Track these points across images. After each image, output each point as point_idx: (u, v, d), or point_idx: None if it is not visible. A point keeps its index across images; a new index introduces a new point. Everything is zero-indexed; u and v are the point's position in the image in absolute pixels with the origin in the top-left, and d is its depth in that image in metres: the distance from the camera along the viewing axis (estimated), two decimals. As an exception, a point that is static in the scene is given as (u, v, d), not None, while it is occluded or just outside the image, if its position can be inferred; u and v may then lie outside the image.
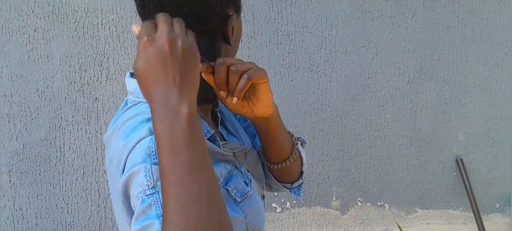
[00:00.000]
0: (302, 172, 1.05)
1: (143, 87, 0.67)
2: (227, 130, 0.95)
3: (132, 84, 0.86)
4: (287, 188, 1.06)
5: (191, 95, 0.67)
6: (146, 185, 0.69)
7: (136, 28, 0.71)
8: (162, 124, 0.64)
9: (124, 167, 0.75)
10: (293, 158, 0.98)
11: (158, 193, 0.68)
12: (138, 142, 0.74)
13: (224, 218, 0.64)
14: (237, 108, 0.85)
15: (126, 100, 0.92)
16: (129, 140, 0.76)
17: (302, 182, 1.06)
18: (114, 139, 0.82)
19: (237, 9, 0.85)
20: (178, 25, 0.69)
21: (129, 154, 0.75)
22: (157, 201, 0.68)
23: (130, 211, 0.75)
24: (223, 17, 0.82)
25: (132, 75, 0.89)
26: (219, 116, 0.94)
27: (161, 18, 0.69)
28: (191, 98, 0.66)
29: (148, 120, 0.77)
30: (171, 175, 0.63)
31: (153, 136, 0.73)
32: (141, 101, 0.83)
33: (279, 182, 1.03)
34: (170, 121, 0.64)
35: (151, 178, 0.69)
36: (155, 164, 0.70)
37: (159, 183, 0.68)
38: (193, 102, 0.66)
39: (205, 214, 0.62)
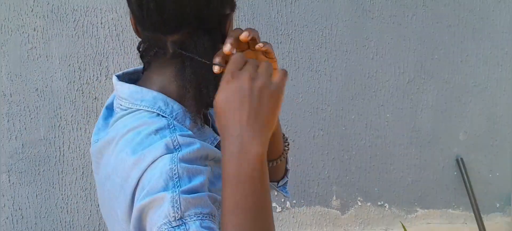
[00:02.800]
0: (287, 170, 1.04)
1: (220, 121, 0.67)
2: (217, 133, 0.93)
3: (125, 90, 0.80)
4: (274, 187, 1.05)
5: (264, 136, 0.66)
6: (173, 216, 0.65)
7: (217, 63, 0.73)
8: (230, 160, 0.65)
9: (136, 187, 0.71)
10: (285, 154, 0.98)
11: (185, 225, 0.65)
12: (153, 161, 0.70)
13: None
14: None
15: (110, 106, 0.86)
16: (141, 156, 0.71)
17: (287, 180, 1.06)
18: (112, 152, 0.77)
19: (233, 7, 0.83)
20: (265, 65, 0.69)
21: (143, 173, 0.70)
22: None
23: None
24: (222, 16, 0.80)
25: (119, 78, 0.84)
26: (210, 118, 0.90)
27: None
28: (264, 140, 0.66)
29: (156, 131, 0.74)
30: (233, 216, 0.63)
31: (173, 155, 0.70)
32: (140, 109, 0.78)
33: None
34: (239, 159, 0.64)
35: (179, 209, 0.66)
36: (184, 192, 0.67)
37: (186, 214, 0.66)
38: (265, 143, 0.66)
39: None
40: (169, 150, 0.71)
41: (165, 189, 0.67)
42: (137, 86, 0.80)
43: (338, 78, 2.30)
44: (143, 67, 0.85)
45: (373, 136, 2.39)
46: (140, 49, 0.82)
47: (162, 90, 0.79)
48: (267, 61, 0.71)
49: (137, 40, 2.31)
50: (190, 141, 0.73)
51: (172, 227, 0.65)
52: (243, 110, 0.66)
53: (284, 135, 1.01)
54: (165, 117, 0.77)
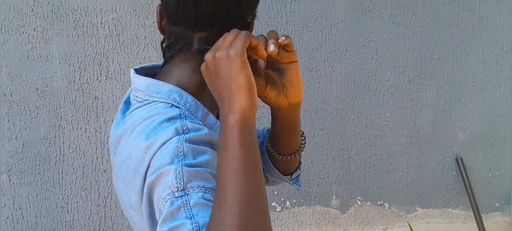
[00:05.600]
0: (300, 162, 1.06)
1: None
2: None
3: (142, 82, 0.84)
4: (288, 180, 1.06)
5: (239, 101, 0.70)
6: (176, 186, 0.68)
7: None
8: (219, 133, 0.71)
9: (148, 168, 0.74)
10: (301, 150, 1.00)
11: (187, 196, 0.68)
12: (163, 143, 0.74)
13: (266, 221, 0.67)
14: (274, 98, 0.86)
15: (128, 100, 0.90)
16: (153, 141, 0.75)
17: (300, 172, 1.08)
18: (127, 140, 0.80)
19: (253, 16, 0.88)
20: (226, 36, 0.75)
21: (154, 155, 0.74)
22: (186, 204, 0.67)
23: (151, 215, 0.74)
24: (247, 23, 0.86)
25: (137, 71, 0.88)
26: None
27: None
28: (239, 105, 0.70)
29: (169, 120, 0.77)
30: (219, 177, 0.67)
31: (181, 136, 0.74)
32: (155, 101, 0.81)
33: (282, 174, 1.04)
34: (221, 130, 0.71)
35: (182, 180, 0.69)
36: (187, 165, 0.70)
37: (189, 185, 0.69)
38: (243, 107, 0.70)
39: (248, 216, 0.64)
40: (177, 133, 0.75)
41: (170, 163, 0.71)
42: (153, 80, 0.83)
43: (338, 78, 2.31)
44: (164, 61, 0.88)
45: (372, 135, 2.39)
46: (164, 45, 0.86)
47: (179, 84, 0.83)
48: (231, 32, 0.76)
49: (137, 39, 2.31)
50: (199, 126, 0.77)
51: (175, 197, 0.68)
52: (213, 86, 0.74)
53: (302, 131, 1.02)
54: (179, 107, 0.80)
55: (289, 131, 0.94)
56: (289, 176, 1.06)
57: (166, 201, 0.68)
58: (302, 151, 1.00)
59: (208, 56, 0.74)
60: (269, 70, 0.85)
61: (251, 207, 0.65)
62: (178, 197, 0.67)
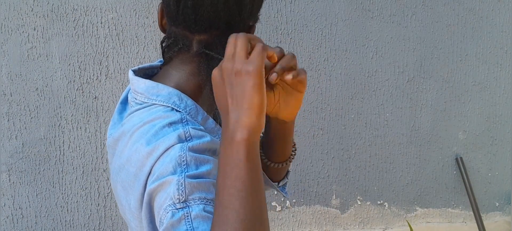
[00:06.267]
0: (288, 171, 1.07)
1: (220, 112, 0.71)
2: None
3: (141, 85, 0.83)
4: (276, 186, 1.07)
5: (249, 119, 0.67)
6: (177, 198, 0.68)
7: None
8: (221, 147, 0.68)
9: (149, 174, 0.74)
10: (292, 157, 0.99)
11: (189, 208, 0.67)
12: (166, 150, 0.73)
13: None
14: (269, 107, 0.83)
15: (124, 100, 0.90)
16: (155, 146, 0.74)
17: (287, 181, 1.08)
18: (126, 143, 0.80)
19: (256, 20, 0.87)
20: (239, 45, 0.69)
21: (156, 162, 0.73)
22: (187, 216, 0.67)
23: (151, 222, 0.74)
24: (247, 27, 0.85)
25: (135, 73, 0.87)
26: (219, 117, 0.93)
27: (229, 40, 0.70)
28: (248, 123, 0.66)
29: (170, 124, 0.76)
30: (221, 195, 0.65)
31: (183, 144, 0.73)
32: (155, 104, 0.80)
33: (271, 180, 1.04)
34: (225, 145, 0.67)
35: (184, 192, 0.68)
36: (189, 177, 0.69)
37: (191, 197, 0.68)
38: (251, 126, 0.66)
39: None
40: (180, 140, 0.74)
41: (173, 173, 0.70)
42: (153, 82, 0.83)
43: (338, 77, 2.31)
44: (163, 62, 0.87)
45: (372, 135, 2.39)
46: (163, 44, 0.85)
47: (177, 86, 0.82)
48: (243, 38, 0.70)
49: (137, 39, 2.31)
50: (201, 134, 0.76)
51: (176, 209, 0.68)
52: (221, 95, 0.69)
53: (294, 142, 1.02)
54: (180, 111, 0.79)
55: (281, 140, 0.93)
56: (277, 183, 1.06)
57: (167, 212, 0.68)
58: (291, 161, 1.00)
59: (227, 66, 0.69)
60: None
61: (253, 228, 0.64)
62: (179, 208, 0.67)
